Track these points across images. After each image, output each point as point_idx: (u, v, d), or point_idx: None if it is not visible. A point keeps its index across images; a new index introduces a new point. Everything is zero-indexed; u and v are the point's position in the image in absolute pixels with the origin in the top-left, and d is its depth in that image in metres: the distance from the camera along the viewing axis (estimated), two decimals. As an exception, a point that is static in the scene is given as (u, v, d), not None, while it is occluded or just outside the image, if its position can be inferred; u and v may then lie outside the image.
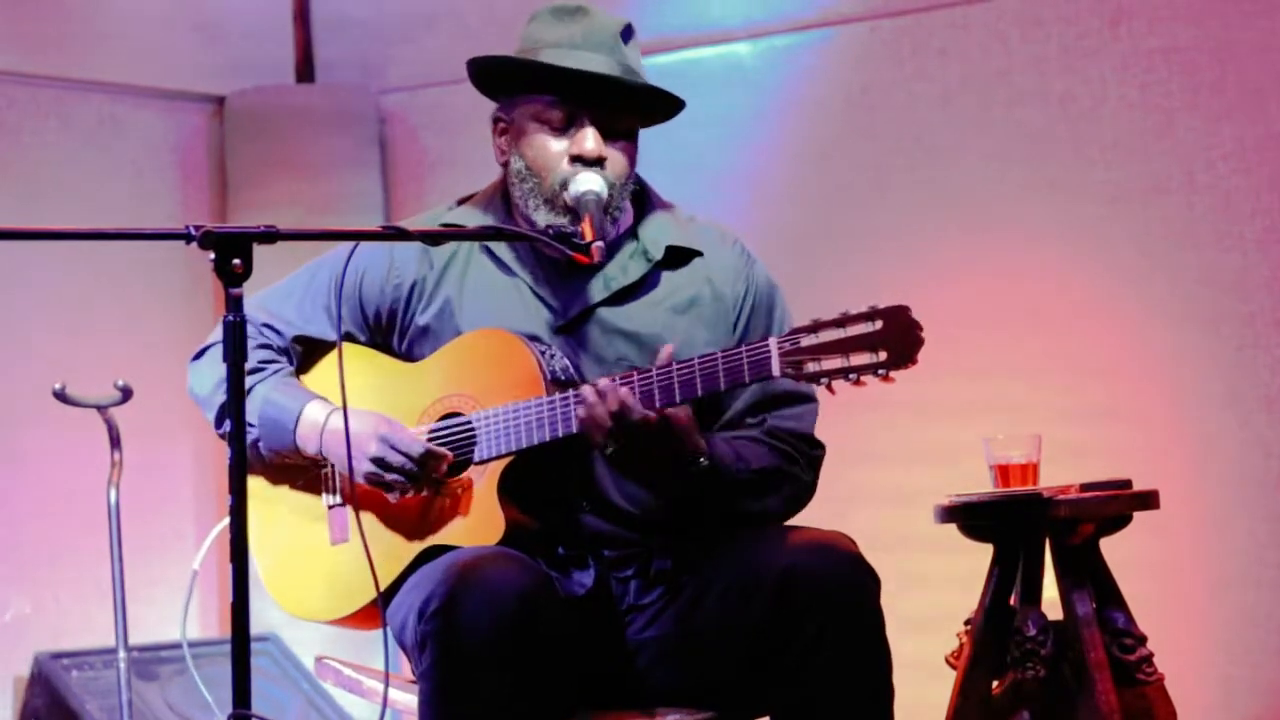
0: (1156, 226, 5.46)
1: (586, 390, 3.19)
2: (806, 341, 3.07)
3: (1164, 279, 5.45)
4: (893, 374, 3.02)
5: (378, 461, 3.32)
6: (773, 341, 3.09)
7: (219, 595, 6.29)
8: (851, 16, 5.90)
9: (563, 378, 3.31)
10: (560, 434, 3.24)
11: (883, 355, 3.02)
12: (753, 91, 6.04)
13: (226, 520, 2.83)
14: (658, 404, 3.17)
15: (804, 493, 3.46)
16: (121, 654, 5.04)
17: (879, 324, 3.03)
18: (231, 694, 2.78)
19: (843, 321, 3.05)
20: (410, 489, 3.34)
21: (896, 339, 3.02)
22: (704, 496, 3.33)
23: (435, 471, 3.32)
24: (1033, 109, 5.63)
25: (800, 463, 3.43)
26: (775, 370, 3.08)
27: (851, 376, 3.04)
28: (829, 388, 3.07)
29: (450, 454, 3.34)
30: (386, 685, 3.22)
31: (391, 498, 3.36)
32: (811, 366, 3.06)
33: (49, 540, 6.02)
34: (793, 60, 6.00)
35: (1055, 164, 5.60)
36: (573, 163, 3.38)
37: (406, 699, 3.39)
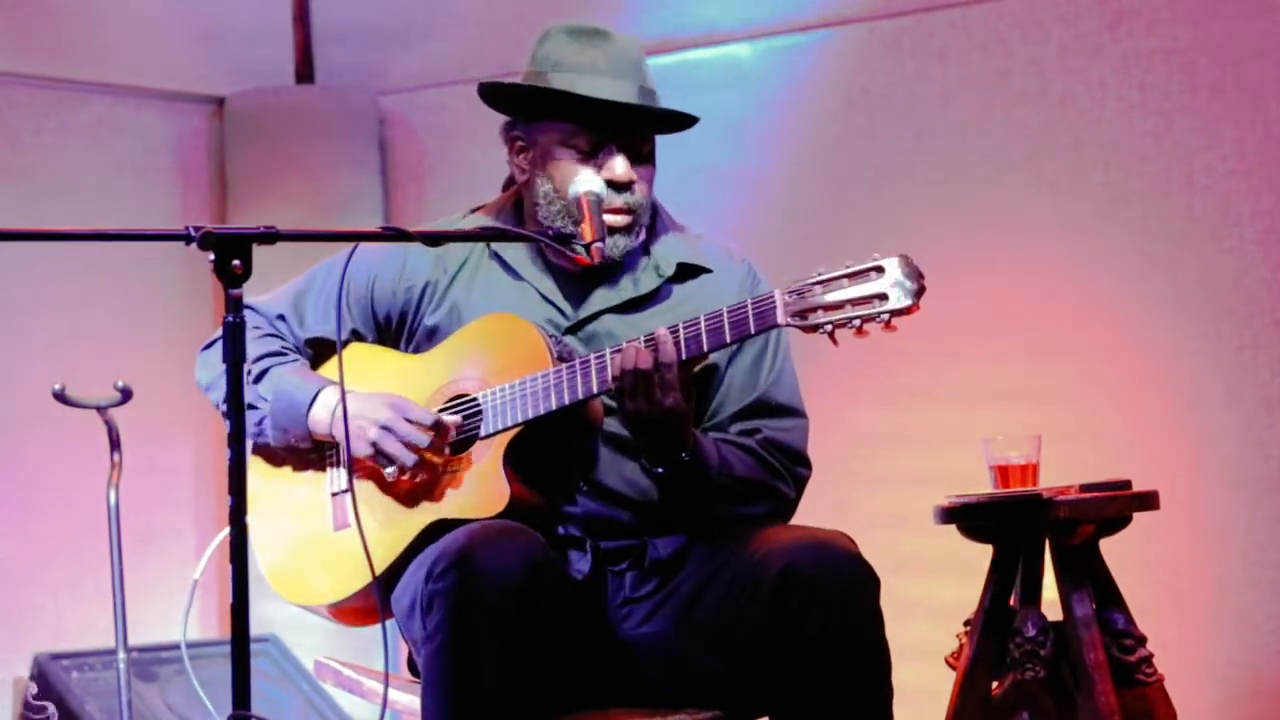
0: (1156, 227, 5.46)
1: (635, 341, 3.23)
2: (811, 292, 3.12)
3: (1164, 279, 5.45)
4: (894, 321, 3.07)
5: (386, 429, 3.33)
6: (778, 293, 3.15)
7: (219, 596, 6.29)
8: (851, 17, 5.91)
9: (568, 357, 3.33)
10: (567, 400, 3.27)
11: (885, 304, 3.06)
12: (752, 92, 6.05)
13: (227, 531, 2.83)
14: (662, 362, 3.20)
15: (785, 508, 3.47)
16: (121, 655, 5.03)
17: (881, 274, 3.08)
18: (231, 694, 2.78)
19: (846, 273, 3.10)
20: (408, 467, 3.34)
21: (898, 287, 3.06)
22: (683, 490, 3.35)
23: (443, 439, 3.33)
24: (1032, 110, 5.63)
25: (786, 479, 3.45)
26: (781, 319, 3.13)
27: (855, 324, 3.09)
28: (832, 337, 3.12)
29: (459, 419, 3.36)
30: (386, 686, 3.22)
31: (388, 473, 3.36)
32: (815, 316, 3.11)
33: (49, 541, 6.02)
34: (792, 61, 6.00)
35: (1055, 165, 5.60)
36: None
37: (406, 699, 3.39)
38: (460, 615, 3.08)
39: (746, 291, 3.51)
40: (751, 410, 3.46)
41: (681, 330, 3.21)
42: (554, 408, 3.28)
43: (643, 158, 3.45)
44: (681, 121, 3.47)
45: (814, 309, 3.12)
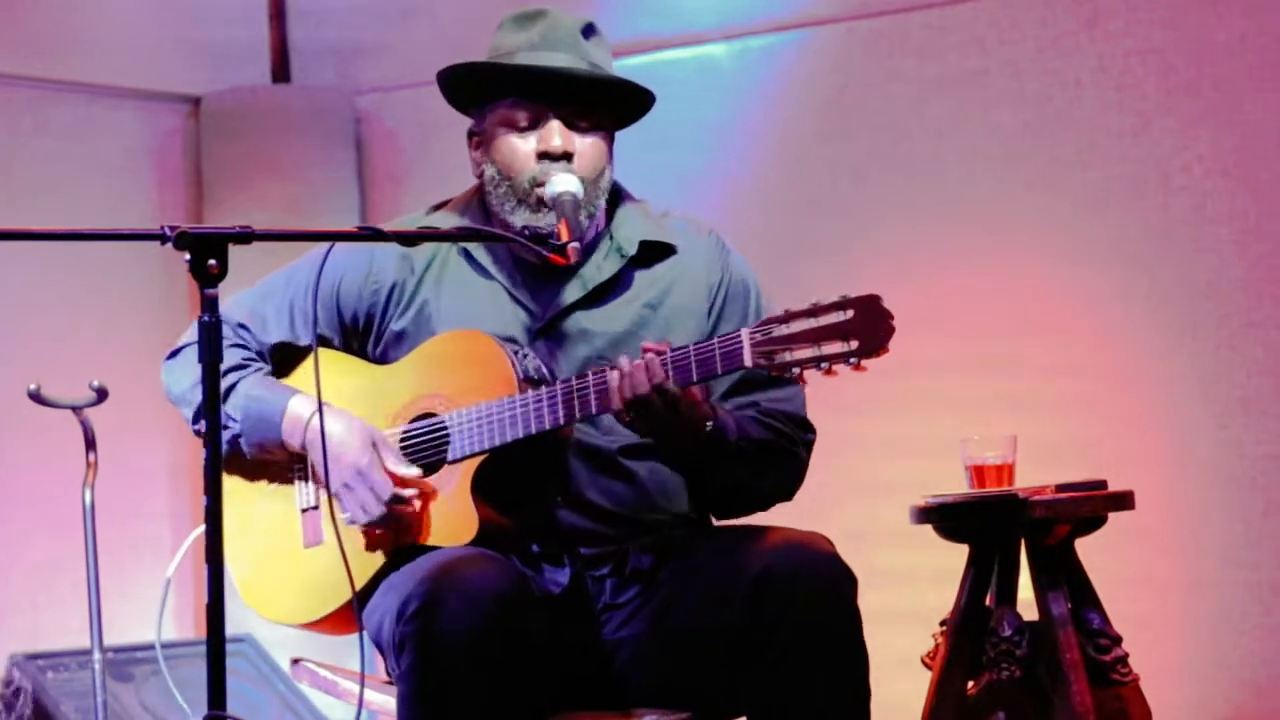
0: (1133, 228, 5.47)
1: (623, 361, 3.19)
2: (778, 331, 3.08)
3: (1140, 280, 5.46)
4: (864, 362, 3.04)
5: (359, 477, 3.33)
6: (744, 332, 3.11)
7: (195, 596, 6.27)
8: (828, 18, 5.90)
9: (535, 377, 3.31)
10: (534, 430, 3.25)
11: (854, 344, 3.03)
12: (728, 93, 6.04)
13: (201, 528, 2.82)
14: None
15: (799, 472, 3.47)
16: (96, 655, 5.02)
17: (850, 313, 3.04)
18: (207, 695, 2.78)
19: (814, 311, 3.06)
20: (361, 524, 3.35)
21: (868, 328, 3.03)
22: (708, 465, 3.33)
23: (400, 510, 3.33)
24: (1009, 110, 5.64)
25: (796, 442, 3.44)
26: (747, 361, 3.10)
27: (823, 365, 3.05)
28: (801, 377, 3.09)
29: (423, 483, 3.35)
30: (362, 686, 3.22)
31: (344, 516, 3.36)
32: (783, 356, 3.07)
33: (24, 541, 6.01)
34: (769, 61, 6.00)
35: (1031, 165, 5.61)
36: (540, 159, 3.39)
37: (382, 700, 3.39)
38: (429, 662, 3.09)
39: (715, 268, 3.50)
40: (744, 385, 3.45)
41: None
42: (520, 436, 3.26)
43: (586, 128, 3.42)
44: (636, 105, 3.46)
45: (781, 349, 3.08)
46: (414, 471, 3.35)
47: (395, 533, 3.36)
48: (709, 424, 3.28)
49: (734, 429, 3.34)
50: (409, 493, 3.33)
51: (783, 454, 3.43)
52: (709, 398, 3.39)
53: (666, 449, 3.33)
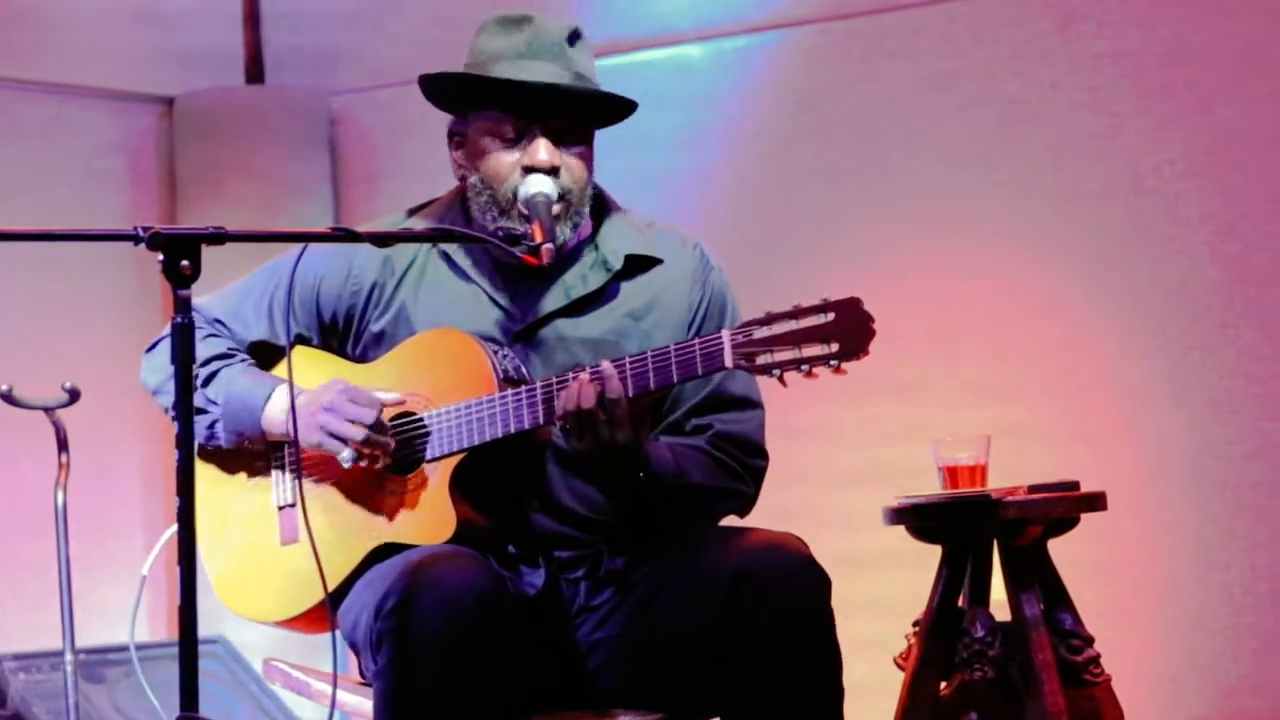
0: (1106, 229, 5.48)
1: (581, 375, 3.18)
2: (759, 333, 3.08)
3: (1112, 281, 5.48)
4: (844, 365, 3.04)
5: (330, 409, 3.30)
6: (725, 333, 3.10)
7: (167, 597, 6.26)
8: (802, 19, 5.91)
9: (515, 377, 3.31)
10: (513, 430, 3.25)
11: (834, 347, 3.03)
12: (703, 94, 6.05)
13: (175, 527, 2.82)
14: (609, 399, 3.18)
15: (745, 506, 3.47)
16: (68, 656, 5.01)
17: (831, 316, 3.04)
18: (179, 697, 2.77)
19: (795, 314, 3.06)
20: (359, 443, 3.30)
21: (848, 331, 3.02)
22: (640, 504, 3.34)
23: (382, 419, 3.30)
24: (983, 111, 5.65)
25: (743, 476, 3.44)
26: (728, 361, 3.09)
27: (803, 368, 3.05)
28: (781, 379, 3.08)
29: (396, 398, 3.34)
30: (335, 687, 3.21)
31: (343, 457, 3.33)
32: (764, 358, 3.07)
33: (-5, 542, 6.00)
34: (743, 62, 6.01)
35: (1005, 166, 5.62)
36: (525, 173, 3.37)
37: (355, 700, 3.38)
38: (406, 659, 3.08)
39: (697, 284, 3.50)
40: (706, 405, 3.44)
41: (629, 367, 3.18)
42: (499, 435, 3.26)
43: (572, 141, 3.41)
44: (618, 109, 3.45)
45: (762, 351, 3.07)
46: (392, 395, 3.34)
47: (380, 513, 3.34)
48: (640, 474, 3.28)
49: (673, 472, 3.33)
50: (391, 397, 3.32)
51: (724, 494, 3.42)
52: (670, 414, 3.42)
53: (596, 473, 3.32)
